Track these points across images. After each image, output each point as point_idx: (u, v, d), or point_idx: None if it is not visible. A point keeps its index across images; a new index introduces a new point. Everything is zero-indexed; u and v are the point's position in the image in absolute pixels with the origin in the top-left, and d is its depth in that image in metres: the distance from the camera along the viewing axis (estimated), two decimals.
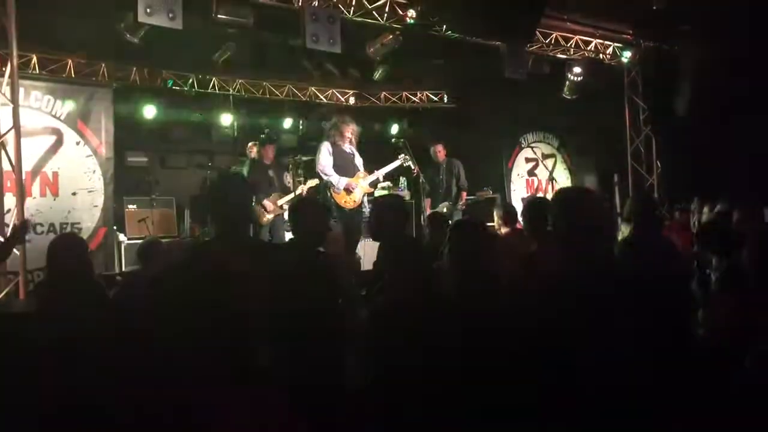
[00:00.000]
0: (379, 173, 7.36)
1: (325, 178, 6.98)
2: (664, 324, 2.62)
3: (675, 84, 8.94)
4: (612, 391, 2.30)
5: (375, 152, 8.27)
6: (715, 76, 8.16)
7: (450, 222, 5.81)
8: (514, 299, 2.86)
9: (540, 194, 10.03)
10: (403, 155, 7.69)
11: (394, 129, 11.72)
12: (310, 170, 8.60)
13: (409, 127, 11.67)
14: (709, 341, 3.40)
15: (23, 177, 5.84)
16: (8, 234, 5.18)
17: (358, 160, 7.26)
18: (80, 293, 3.29)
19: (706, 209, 6.06)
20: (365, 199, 7.19)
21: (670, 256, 4.05)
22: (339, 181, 6.94)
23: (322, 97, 11.35)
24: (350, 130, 7.09)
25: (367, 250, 7.40)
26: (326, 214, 3.83)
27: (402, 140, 7.89)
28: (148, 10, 5.76)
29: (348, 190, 6.97)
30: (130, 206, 8.75)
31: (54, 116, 7.02)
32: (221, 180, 5.85)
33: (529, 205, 4.62)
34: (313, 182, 8.32)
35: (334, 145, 7.03)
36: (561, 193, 3.21)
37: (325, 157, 6.98)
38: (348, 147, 7.14)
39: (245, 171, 8.44)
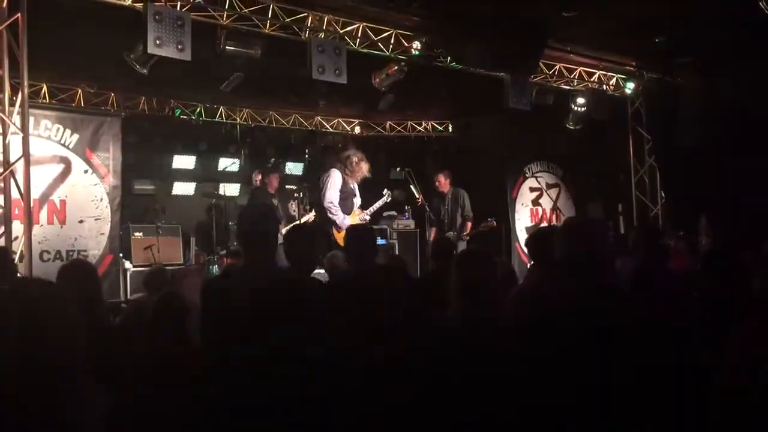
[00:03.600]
0: (367, 212, 7.53)
1: (330, 215, 7.02)
2: (665, 349, 2.62)
3: (678, 115, 8.98)
4: (613, 419, 2.30)
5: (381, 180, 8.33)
6: (716, 108, 8.21)
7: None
8: (516, 328, 2.86)
9: (544, 224, 10.01)
10: (387, 191, 7.85)
11: None
12: (316, 199, 8.65)
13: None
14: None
15: (31, 204, 5.87)
16: None
17: (357, 199, 7.39)
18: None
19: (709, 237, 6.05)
20: None
21: (673, 285, 4.05)
22: (343, 222, 7.01)
23: (328, 126, 11.45)
24: (365, 171, 7.23)
25: None
26: (318, 242, 3.87)
27: (407, 169, 7.93)
28: (158, 42, 5.82)
29: None
30: (136, 234, 8.77)
31: (63, 145, 7.09)
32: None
33: (532, 236, 4.61)
34: None
35: (344, 177, 7.12)
36: (568, 223, 3.24)
37: (335, 192, 7.04)
38: (353, 182, 7.25)
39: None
